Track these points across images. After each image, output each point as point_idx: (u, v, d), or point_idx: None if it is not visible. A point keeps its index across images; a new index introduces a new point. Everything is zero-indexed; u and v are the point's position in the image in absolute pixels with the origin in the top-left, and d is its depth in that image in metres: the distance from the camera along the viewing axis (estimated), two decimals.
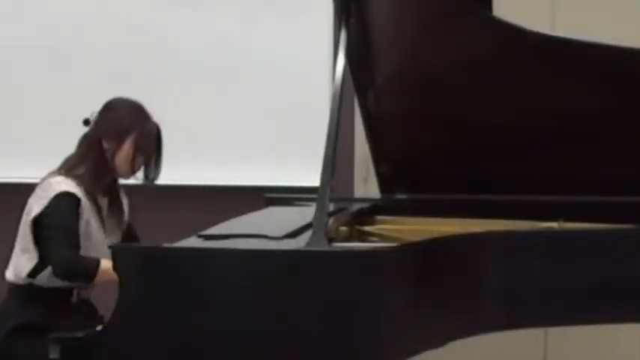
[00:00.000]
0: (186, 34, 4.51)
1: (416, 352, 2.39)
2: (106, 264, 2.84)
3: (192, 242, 2.39)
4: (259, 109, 4.48)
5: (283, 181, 4.17)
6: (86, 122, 3.03)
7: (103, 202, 3.01)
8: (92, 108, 3.06)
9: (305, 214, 2.63)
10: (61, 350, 2.30)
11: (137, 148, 2.99)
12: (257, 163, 4.44)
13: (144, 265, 2.27)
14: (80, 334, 2.33)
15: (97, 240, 2.94)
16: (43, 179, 2.96)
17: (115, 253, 2.32)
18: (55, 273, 2.86)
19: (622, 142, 2.88)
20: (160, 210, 4.32)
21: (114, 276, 2.78)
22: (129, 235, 3.13)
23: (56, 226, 2.86)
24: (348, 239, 2.81)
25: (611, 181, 2.86)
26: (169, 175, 4.32)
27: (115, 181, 3.06)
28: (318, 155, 2.46)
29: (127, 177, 3.04)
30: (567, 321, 2.74)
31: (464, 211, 2.95)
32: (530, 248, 2.61)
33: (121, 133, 2.99)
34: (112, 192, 3.05)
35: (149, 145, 3.01)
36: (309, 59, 4.40)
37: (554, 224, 2.89)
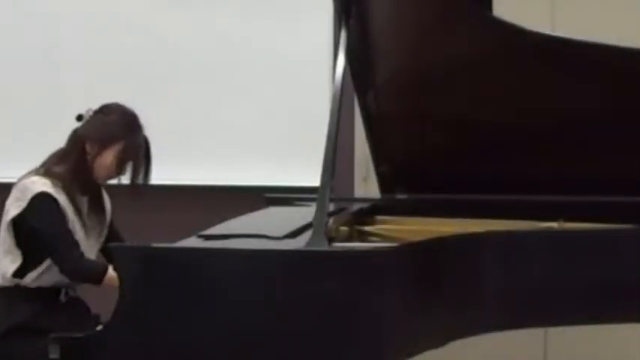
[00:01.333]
0: (186, 34, 4.51)
1: (416, 352, 2.39)
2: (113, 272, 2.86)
3: (192, 242, 2.39)
4: (259, 109, 4.48)
5: (283, 181, 4.17)
6: (79, 118, 3.03)
7: (83, 200, 3.00)
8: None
9: (305, 214, 2.63)
10: (61, 350, 2.30)
11: (118, 158, 2.96)
12: (257, 163, 4.44)
13: (144, 265, 2.27)
14: (80, 334, 2.33)
15: (79, 237, 2.93)
16: (20, 180, 2.95)
17: (115, 253, 2.32)
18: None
19: (622, 142, 2.88)
20: (160, 210, 4.32)
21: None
22: (112, 235, 3.12)
23: (50, 230, 2.85)
24: (348, 239, 2.81)
25: (611, 181, 2.86)
26: (169, 175, 4.35)
27: (97, 182, 3.05)
28: (318, 155, 2.46)
29: (104, 182, 3.03)
30: (567, 321, 2.74)
31: (464, 211, 2.95)
32: (530, 248, 2.61)
33: (105, 140, 2.96)
34: (92, 191, 3.03)
35: (131, 156, 2.97)
36: (309, 59, 4.40)
37: (554, 224, 2.89)
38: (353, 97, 3.04)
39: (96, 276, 2.88)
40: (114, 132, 2.97)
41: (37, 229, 2.86)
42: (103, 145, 2.96)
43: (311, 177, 2.68)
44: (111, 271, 2.85)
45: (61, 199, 2.89)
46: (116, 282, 2.67)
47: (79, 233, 2.93)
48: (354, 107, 3.20)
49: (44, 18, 4.59)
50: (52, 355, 2.29)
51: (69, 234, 2.87)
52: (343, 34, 2.63)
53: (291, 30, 4.44)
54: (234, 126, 4.49)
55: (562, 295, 2.61)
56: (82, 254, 2.88)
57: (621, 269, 2.63)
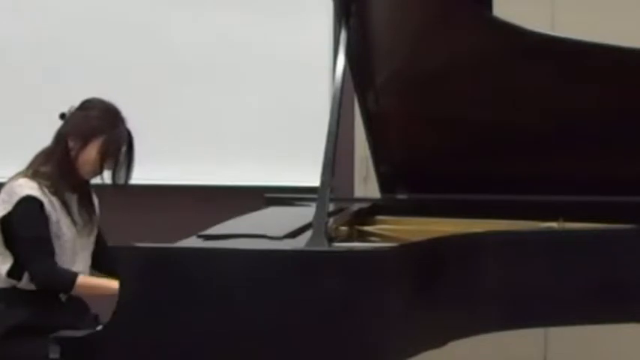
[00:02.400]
0: (187, 33, 4.51)
1: (416, 352, 2.39)
2: (84, 281, 2.88)
3: (193, 242, 2.39)
4: (259, 109, 4.48)
5: (283, 181, 4.17)
6: (62, 116, 3.04)
7: (72, 198, 3.00)
8: None
9: (305, 214, 2.63)
10: (61, 350, 2.30)
11: (101, 152, 2.96)
12: (257, 163, 4.44)
13: (144, 264, 2.27)
14: (80, 334, 2.33)
15: (68, 237, 2.94)
16: (8, 181, 2.96)
17: (116, 253, 2.32)
18: (34, 283, 2.88)
19: (622, 142, 2.88)
20: (160, 210, 4.32)
21: (94, 293, 2.81)
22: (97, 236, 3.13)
23: (27, 237, 2.87)
24: (348, 239, 2.81)
25: (611, 181, 2.86)
26: (169, 175, 4.35)
27: (86, 179, 3.05)
28: (318, 155, 2.46)
29: (90, 178, 3.04)
30: (567, 321, 2.74)
31: (464, 211, 2.95)
32: (530, 248, 2.61)
33: (87, 135, 2.97)
34: (80, 188, 3.03)
35: (114, 150, 2.98)
36: (309, 59, 4.40)
37: (554, 224, 2.89)
38: (353, 97, 3.04)
39: (62, 286, 2.90)
40: (95, 126, 2.98)
41: (16, 232, 2.87)
42: (85, 139, 2.97)
43: (311, 177, 2.68)
44: (91, 280, 2.88)
45: (47, 201, 2.90)
46: (86, 291, 2.73)
47: (66, 232, 2.93)
48: (354, 107, 3.20)
49: (43, 17, 4.59)
50: (52, 355, 2.29)
51: (45, 241, 2.88)
52: (343, 34, 2.62)
53: (291, 30, 4.44)
54: (234, 126, 4.49)
55: (562, 295, 2.61)
56: (54, 264, 2.89)
57: (621, 269, 2.63)
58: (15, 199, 2.88)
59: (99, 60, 4.52)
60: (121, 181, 3.03)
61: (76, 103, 3.07)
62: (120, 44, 4.53)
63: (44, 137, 3.05)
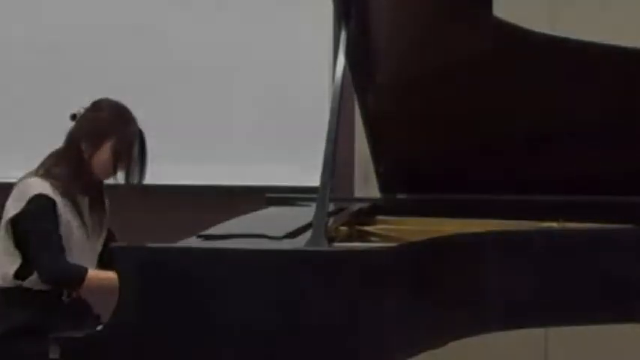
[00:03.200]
0: (186, 34, 4.51)
1: (416, 352, 2.39)
2: (94, 274, 2.86)
3: (192, 242, 2.39)
4: (259, 109, 4.48)
5: (283, 181, 4.17)
6: (73, 117, 3.03)
7: (84, 201, 3.00)
8: None
9: (305, 214, 2.63)
10: (61, 350, 2.30)
11: (115, 153, 2.96)
12: (257, 163, 4.43)
13: (144, 264, 2.27)
14: (80, 334, 2.33)
15: (78, 239, 2.92)
16: (20, 180, 2.95)
17: (116, 253, 2.32)
18: (42, 279, 2.86)
19: (622, 142, 2.88)
20: (160, 210, 4.32)
21: (102, 286, 2.79)
22: (107, 234, 3.12)
23: (38, 232, 2.85)
24: (348, 239, 2.81)
25: (611, 181, 2.86)
26: (169, 174, 4.35)
27: (99, 181, 3.04)
28: (318, 155, 2.46)
29: (105, 178, 3.03)
30: (567, 321, 2.74)
31: (464, 211, 2.95)
32: (530, 248, 2.61)
33: (99, 137, 2.96)
34: (93, 191, 3.03)
35: (127, 150, 2.97)
36: (309, 59, 4.40)
37: (554, 224, 2.89)
38: (353, 97, 3.04)
39: (73, 281, 2.88)
40: (106, 128, 2.97)
41: (26, 227, 2.86)
42: (98, 142, 2.96)
43: (311, 177, 2.68)
44: (100, 273, 2.87)
45: (60, 201, 2.89)
46: (108, 284, 2.70)
47: (76, 234, 2.93)
48: (354, 107, 3.20)
49: (44, 18, 4.59)
50: (52, 355, 2.29)
51: (56, 236, 2.86)
52: (343, 34, 2.63)
53: (291, 30, 4.44)
54: (234, 126, 4.49)
55: (562, 295, 2.61)
56: (64, 258, 2.87)
57: (621, 269, 2.63)
58: (26, 197, 2.87)
59: (99, 61, 4.52)
60: (135, 180, 3.03)
61: (78, 104, 3.06)
62: (120, 45, 4.52)
63: (51, 138, 3.04)
